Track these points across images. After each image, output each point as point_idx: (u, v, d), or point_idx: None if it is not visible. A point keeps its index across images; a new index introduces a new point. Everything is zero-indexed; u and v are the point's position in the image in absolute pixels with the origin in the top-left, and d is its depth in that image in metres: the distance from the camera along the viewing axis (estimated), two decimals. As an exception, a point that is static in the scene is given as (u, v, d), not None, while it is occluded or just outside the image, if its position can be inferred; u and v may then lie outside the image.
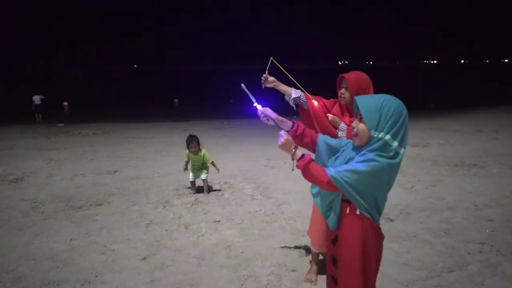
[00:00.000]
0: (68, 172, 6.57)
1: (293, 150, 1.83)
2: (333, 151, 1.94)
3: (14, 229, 4.11)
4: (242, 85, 2.29)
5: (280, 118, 2.05)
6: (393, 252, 3.44)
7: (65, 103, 22.94)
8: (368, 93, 2.50)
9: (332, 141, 1.96)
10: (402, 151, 1.70)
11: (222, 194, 5.26)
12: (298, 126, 2.02)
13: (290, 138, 1.87)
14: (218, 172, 5.52)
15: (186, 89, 40.64)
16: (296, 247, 3.60)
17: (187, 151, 5.34)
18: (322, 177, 1.74)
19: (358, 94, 2.38)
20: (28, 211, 4.63)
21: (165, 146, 9.37)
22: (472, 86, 36.25)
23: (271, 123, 2.05)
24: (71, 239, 3.82)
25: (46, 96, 18.66)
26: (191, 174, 5.35)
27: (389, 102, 1.69)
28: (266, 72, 2.87)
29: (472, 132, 10.06)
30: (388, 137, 1.67)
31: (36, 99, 17.92)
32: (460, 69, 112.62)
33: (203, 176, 5.32)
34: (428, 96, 24.43)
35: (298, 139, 2.00)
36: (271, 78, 2.89)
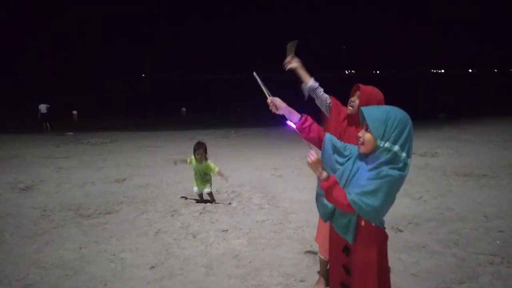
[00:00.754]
0: (77, 181, 6.63)
1: (321, 170, 1.87)
2: (337, 152, 1.96)
3: (24, 236, 4.15)
4: (254, 73, 2.30)
5: (289, 108, 2.08)
6: (402, 263, 3.41)
7: (74, 112, 23.21)
8: None
9: (338, 143, 1.99)
10: (409, 161, 1.75)
11: (230, 203, 5.27)
12: (306, 119, 2.05)
13: (319, 158, 1.90)
14: (227, 182, 5.41)
15: (194, 98, 40.91)
16: (304, 257, 3.59)
17: (192, 156, 5.26)
18: (342, 199, 1.78)
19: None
20: (38, 219, 4.67)
21: (172, 154, 9.41)
22: (481, 96, 36.03)
23: (280, 112, 2.08)
24: (80, 247, 3.84)
25: (53, 105, 18.93)
26: (195, 188, 5.29)
27: (394, 113, 1.75)
28: (293, 53, 2.85)
29: (481, 142, 9.98)
30: (397, 148, 1.72)
31: (42, 107, 18.19)
32: (468, 78, 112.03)
33: (206, 190, 5.26)
34: (436, 105, 24.32)
35: (305, 132, 2.03)
36: (296, 59, 2.87)
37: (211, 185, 5.31)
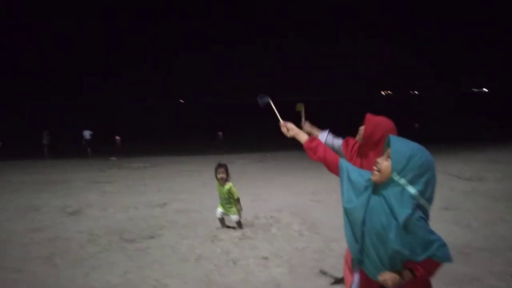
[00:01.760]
0: (121, 205, 6.86)
1: (402, 280, 1.77)
2: (352, 183, 1.94)
3: (72, 260, 4.31)
4: (269, 99, 2.58)
5: (299, 130, 2.32)
6: (454, 297, 3.23)
7: (117, 138, 24.21)
8: (381, 142, 2.47)
9: (353, 173, 1.96)
10: (429, 208, 1.72)
11: (269, 229, 5.24)
12: (312, 140, 2.21)
13: (394, 275, 1.77)
14: (241, 210, 5.19)
15: (230, 121, 41.59)
16: (347, 288, 3.48)
17: (217, 181, 5.26)
18: (437, 269, 1.77)
19: (371, 137, 2.52)
20: (85, 243, 4.85)
21: (210, 179, 9.52)
22: (529, 115, 34.15)
23: (291, 134, 2.33)
24: (125, 272, 3.94)
25: (97, 131, 20.05)
26: (218, 210, 5.24)
27: (421, 154, 1.71)
28: (303, 119, 3.16)
29: (532, 165, 9.40)
30: (411, 189, 1.68)
31: (86, 134, 19.32)
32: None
33: (234, 217, 5.18)
34: (480, 126, 23.29)
35: (312, 152, 2.17)
36: (308, 124, 3.15)
37: (238, 211, 5.18)
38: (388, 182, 1.72)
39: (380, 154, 2.38)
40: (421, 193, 1.67)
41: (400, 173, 1.68)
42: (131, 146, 20.53)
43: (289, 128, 2.33)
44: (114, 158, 15.33)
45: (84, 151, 18.57)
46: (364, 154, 2.63)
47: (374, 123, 2.55)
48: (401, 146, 1.72)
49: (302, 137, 2.26)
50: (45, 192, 8.24)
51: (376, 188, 1.80)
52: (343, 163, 2.03)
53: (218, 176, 5.16)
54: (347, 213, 1.92)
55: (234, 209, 5.17)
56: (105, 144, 20.55)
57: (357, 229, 1.87)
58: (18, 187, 8.94)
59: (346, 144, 2.87)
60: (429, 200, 1.70)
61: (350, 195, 1.90)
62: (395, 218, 1.68)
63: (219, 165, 5.24)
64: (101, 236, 5.11)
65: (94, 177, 10.27)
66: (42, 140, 19.31)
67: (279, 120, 2.43)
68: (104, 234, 5.19)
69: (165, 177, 10.17)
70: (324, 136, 2.98)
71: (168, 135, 28.63)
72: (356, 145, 2.78)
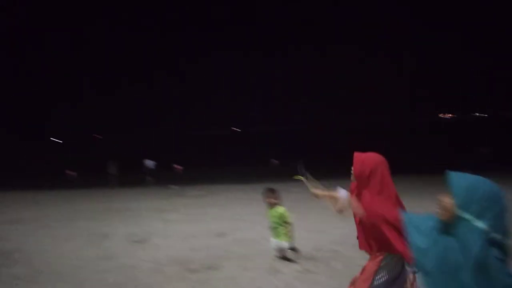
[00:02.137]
0: (182, 234, 7.06)
1: None
2: (419, 231, 1.89)
3: (139, 290, 4.47)
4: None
5: (329, 193, 2.61)
6: None
7: (177, 166, 25.21)
8: (371, 178, 2.52)
9: (418, 221, 1.94)
10: (506, 241, 1.61)
11: (331, 263, 5.09)
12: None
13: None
14: (292, 235, 5.18)
15: (284, 148, 41.69)
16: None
17: (267, 207, 5.26)
18: None
19: (360, 176, 2.56)
20: (151, 272, 5.02)
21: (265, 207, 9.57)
22: None
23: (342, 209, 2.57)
24: (190, 304, 4.00)
25: (159, 159, 21.09)
26: (273, 240, 5.20)
27: (484, 185, 1.64)
28: (313, 190, 3.23)
29: None
30: (480, 224, 1.59)
31: (150, 163, 20.33)
32: None
33: (287, 244, 5.13)
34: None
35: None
36: (319, 190, 3.16)
37: (291, 238, 5.15)
38: (455, 219, 1.66)
39: (373, 189, 2.47)
40: (492, 227, 1.58)
41: (464, 208, 1.62)
42: (188, 174, 21.28)
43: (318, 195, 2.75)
44: (175, 187, 15.92)
45: (146, 179, 19.51)
46: (360, 193, 2.64)
47: (361, 161, 2.60)
48: (460, 180, 1.68)
49: (357, 211, 2.48)
50: (113, 220, 8.73)
51: (445, 227, 1.73)
52: (404, 215, 2.04)
53: (267, 200, 5.24)
54: (419, 257, 1.85)
55: (286, 236, 5.15)
56: (165, 171, 21.47)
57: (432, 273, 1.78)
58: (89, 215, 9.58)
59: (351, 190, 2.86)
60: (504, 233, 1.60)
61: (420, 241, 1.87)
62: (468, 257, 1.60)
63: (268, 190, 5.35)
64: (165, 265, 5.26)
65: (157, 206, 10.72)
66: (109, 170, 20.60)
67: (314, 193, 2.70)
68: (167, 264, 5.34)
69: (223, 206, 10.35)
70: (343, 193, 3.00)
71: (222, 162, 29.31)
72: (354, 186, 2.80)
